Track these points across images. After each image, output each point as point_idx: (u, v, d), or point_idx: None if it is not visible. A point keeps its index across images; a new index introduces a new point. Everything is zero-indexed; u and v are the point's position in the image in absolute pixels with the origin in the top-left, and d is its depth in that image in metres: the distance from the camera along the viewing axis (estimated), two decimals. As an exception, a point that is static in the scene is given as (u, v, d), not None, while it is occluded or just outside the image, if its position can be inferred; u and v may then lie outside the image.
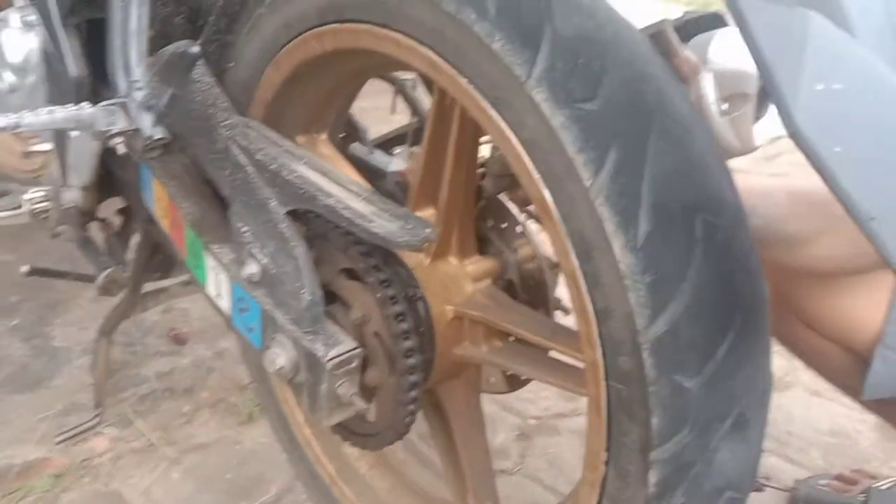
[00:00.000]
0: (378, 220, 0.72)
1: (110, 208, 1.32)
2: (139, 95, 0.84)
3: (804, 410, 1.51)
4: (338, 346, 0.77)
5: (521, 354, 0.84)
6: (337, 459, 1.09)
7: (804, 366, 1.47)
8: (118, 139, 0.84)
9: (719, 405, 0.61)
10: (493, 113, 0.64)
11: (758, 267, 0.62)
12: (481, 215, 0.91)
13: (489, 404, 1.51)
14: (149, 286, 1.42)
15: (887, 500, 0.62)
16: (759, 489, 0.69)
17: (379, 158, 1.12)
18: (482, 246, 0.90)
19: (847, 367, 0.99)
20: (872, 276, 0.95)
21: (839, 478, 1.27)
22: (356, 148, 1.16)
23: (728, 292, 0.60)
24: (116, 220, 1.35)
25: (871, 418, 1.48)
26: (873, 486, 1.21)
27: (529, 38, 0.60)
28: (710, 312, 0.59)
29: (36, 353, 1.57)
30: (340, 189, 0.77)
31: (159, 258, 1.37)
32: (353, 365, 0.78)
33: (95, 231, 1.31)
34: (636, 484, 0.63)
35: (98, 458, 1.33)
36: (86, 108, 0.81)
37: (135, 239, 1.33)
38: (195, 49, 0.77)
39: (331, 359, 0.76)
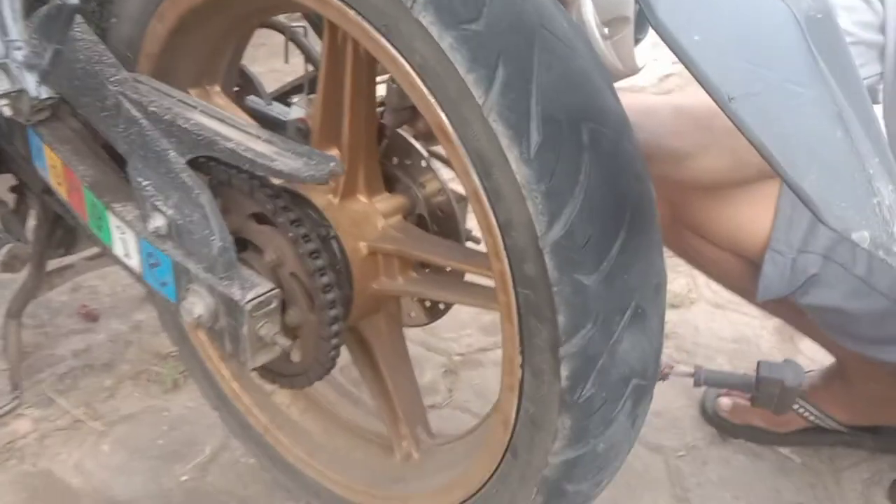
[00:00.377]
0: (281, 158, 0.73)
1: (2, 186, 1.27)
2: (19, 55, 0.81)
3: (708, 322, 1.61)
4: (255, 289, 0.78)
5: (436, 282, 0.87)
6: (268, 409, 1.10)
7: (706, 282, 1.57)
8: (2, 102, 0.81)
9: (617, 299, 0.65)
10: (384, 42, 0.66)
11: (643, 169, 0.67)
12: (387, 154, 0.92)
13: (415, 346, 1.55)
14: (53, 263, 1.39)
15: (773, 368, 0.69)
16: (664, 377, 0.75)
17: (277, 109, 1.12)
18: (392, 184, 0.92)
19: (741, 273, 1.07)
20: (756, 186, 1.02)
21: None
22: (253, 100, 1.15)
23: (617, 194, 0.64)
24: (10, 198, 1.30)
25: (770, 324, 1.59)
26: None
27: (411, -36, 0.62)
28: (602, 214, 0.63)
29: (-61, 344, 1.51)
30: (239, 133, 0.77)
31: (61, 233, 1.33)
32: (273, 306, 0.79)
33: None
34: (550, 380, 0.68)
35: (22, 439, 1.30)
36: (-37, 72, 0.78)
37: (32, 216, 1.29)
38: (73, 1, 0.75)
39: (248, 301, 0.77)
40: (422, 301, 0.96)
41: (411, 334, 1.56)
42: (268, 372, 0.90)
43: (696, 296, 1.69)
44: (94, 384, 1.44)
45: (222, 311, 0.80)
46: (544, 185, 0.61)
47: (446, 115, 0.64)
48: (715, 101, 0.45)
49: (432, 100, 0.65)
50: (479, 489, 0.81)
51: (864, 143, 0.52)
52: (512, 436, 0.75)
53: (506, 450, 0.76)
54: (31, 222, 1.29)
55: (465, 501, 0.84)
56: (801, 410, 1.24)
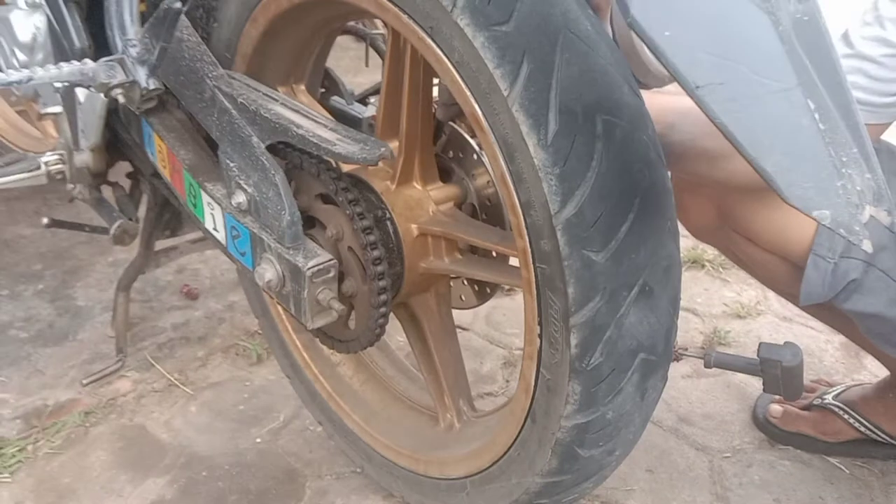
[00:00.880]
0: (341, 143, 0.84)
1: (120, 172, 1.45)
2: (134, 52, 0.96)
3: (773, 333, 1.62)
4: (315, 258, 0.89)
5: (477, 263, 0.96)
6: (333, 378, 1.21)
7: (776, 296, 1.58)
8: (118, 90, 0.96)
9: (624, 276, 0.72)
10: (429, 41, 0.76)
11: (657, 159, 0.73)
12: (445, 149, 1.02)
13: (480, 339, 1.64)
14: (160, 244, 1.56)
15: (772, 349, 0.72)
16: (677, 358, 0.80)
17: (356, 108, 1.24)
18: (448, 175, 1.02)
19: (787, 277, 1.10)
20: None
21: (800, 386, 1.38)
22: (336, 100, 1.27)
23: (627, 180, 0.71)
24: (127, 183, 1.48)
25: (836, 339, 1.58)
26: (827, 391, 1.32)
27: (454, -26, 0.71)
28: (612, 197, 0.70)
29: (60, 313, 1.71)
30: (309, 121, 0.89)
31: (168, 217, 1.50)
32: (331, 274, 0.90)
33: (108, 193, 1.43)
34: (562, 349, 0.75)
35: (122, 397, 1.47)
36: (89, 64, 0.93)
37: (144, 199, 1.46)
38: (177, 5, 0.88)
39: (309, 268, 0.87)
40: (471, 284, 1.05)
41: (476, 328, 1.65)
42: (327, 337, 1.01)
43: (763, 308, 1.69)
44: (188, 354, 1.60)
45: (288, 276, 0.91)
46: (559, 168, 0.69)
47: (479, 105, 0.73)
48: (683, 88, 0.52)
49: (468, 92, 0.74)
50: (504, 453, 0.89)
51: (841, 133, 0.58)
52: (532, 401, 0.82)
53: (527, 415, 0.83)
54: (144, 208, 1.46)
55: (492, 464, 0.91)
56: (853, 422, 1.25)
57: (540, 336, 0.77)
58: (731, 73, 0.53)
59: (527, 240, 0.74)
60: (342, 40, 1.29)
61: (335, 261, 0.90)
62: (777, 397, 1.34)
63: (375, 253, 0.89)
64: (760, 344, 0.73)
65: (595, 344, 0.73)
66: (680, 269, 0.77)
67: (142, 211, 1.46)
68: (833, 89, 0.58)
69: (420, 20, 0.76)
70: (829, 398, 1.29)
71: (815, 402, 1.30)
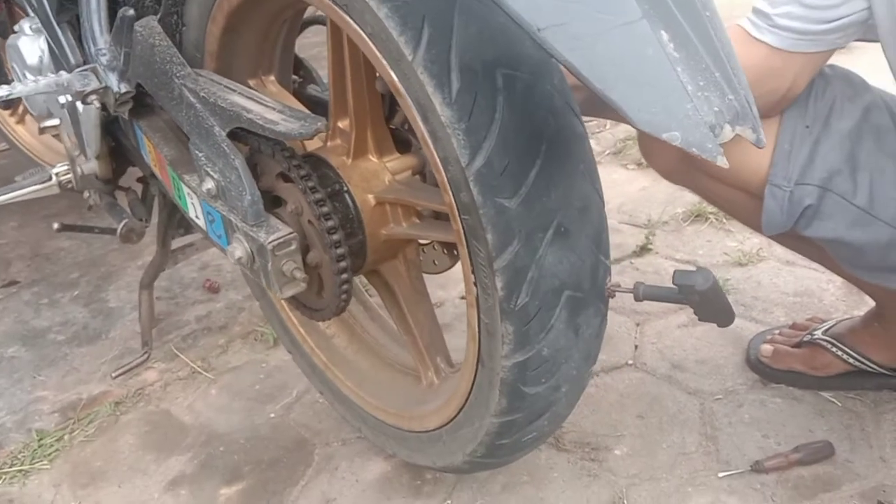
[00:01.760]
0: (283, 122, 0.90)
1: (132, 178, 1.54)
2: (104, 60, 1.04)
3: (773, 278, 1.62)
4: (276, 233, 0.95)
5: (434, 225, 1.01)
6: (328, 350, 1.28)
7: (771, 239, 1.58)
8: (93, 97, 1.04)
9: (538, 219, 0.76)
10: (347, 18, 0.81)
11: (564, 106, 0.77)
12: (403, 122, 1.07)
13: (458, 307, 1.69)
14: (177, 242, 1.65)
15: (685, 276, 0.75)
16: (611, 295, 0.83)
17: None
18: (406, 146, 1.07)
19: (753, 210, 1.12)
20: None
21: (793, 326, 1.40)
22: (312, 88, 1.34)
23: (532, 129, 0.75)
24: (138, 187, 1.58)
25: (838, 279, 1.57)
26: (817, 327, 1.33)
27: (354, -48, 0.76)
28: (517, 146, 0.74)
29: (94, 315, 1.83)
30: (259, 106, 0.95)
31: (179, 215, 1.60)
32: (293, 247, 0.96)
33: (122, 198, 1.53)
34: (492, 293, 0.79)
35: (150, 386, 1.57)
36: (64, 75, 1.02)
37: (156, 202, 1.56)
38: (130, 12, 0.96)
39: (270, 242, 0.94)
40: (441, 249, 1.10)
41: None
42: (305, 308, 1.08)
43: (766, 254, 1.69)
44: (210, 342, 1.70)
45: (255, 252, 0.98)
46: (464, 123, 0.74)
47: (393, 71, 0.78)
48: (526, 31, 0.56)
49: (383, 61, 0.79)
50: (466, 399, 0.94)
51: (699, 59, 0.61)
52: (479, 346, 0.87)
53: (477, 360, 0.89)
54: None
55: (458, 412, 0.97)
56: (841, 354, 1.26)
57: (475, 284, 0.82)
58: (573, 14, 0.57)
59: (450, 194, 0.79)
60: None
61: (294, 233, 0.96)
62: (769, 337, 1.35)
63: (330, 223, 0.95)
64: (674, 272, 0.76)
65: (519, 285, 0.77)
66: (600, 209, 0.81)
67: (156, 213, 1.56)
68: (692, 18, 0.62)
69: (336, -1, 0.81)
70: (818, 334, 1.30)
71: (805, 339, 1.31)
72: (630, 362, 1.41)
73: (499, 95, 0.74)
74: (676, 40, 0.60)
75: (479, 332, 0.86)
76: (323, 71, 1.39)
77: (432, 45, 0.74)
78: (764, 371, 1.32)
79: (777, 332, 1.38)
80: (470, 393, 0.93)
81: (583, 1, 0.57)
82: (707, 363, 1.39)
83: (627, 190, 2.06)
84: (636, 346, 1.45)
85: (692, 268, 0.85)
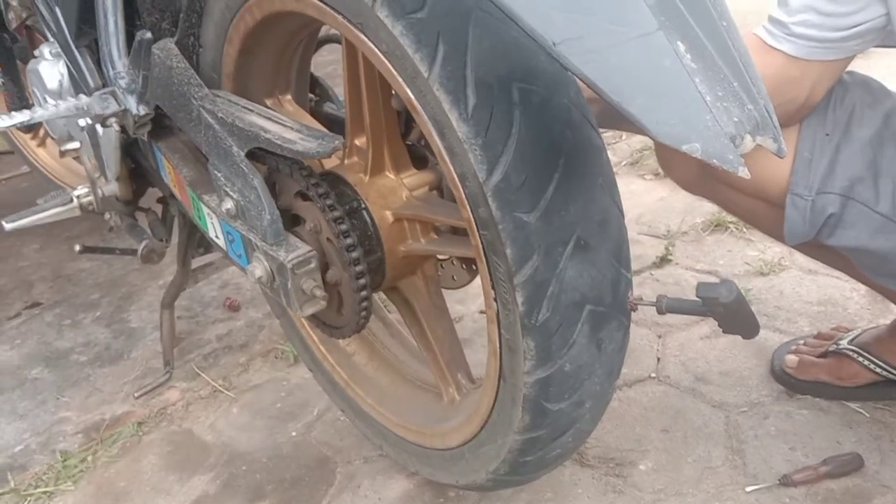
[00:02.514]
0: (301, 141, 0.91)
1: (152, 198, 1.56)
2: (123, 83, 1.05)
3: (795, 287, 1.60)
4: (296, 251, 0.96)
5: (453, 240, 1.01)
6: (348, 367, 1.28)
7: (794, 248, 1.56)
8: (112, 120, 1.05)
9: (557, 233, 0.75)
10: (362, 37, 0.81)
11: (581, 119, 0.77)
12: (419, 138, 1.08)
13: (477, 322, 1.68)
14: (197, 262, 1.66)
15: (708, 288, 0.74)
16: (633, 308, 0.83)
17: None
18: (422, 162, 1.07)
19: (774, 220, 1.11)
20: None
21: (817, 336, 1.38)
22: (328, 106, 1.35)
23: (550, 143, 0.75)
24: (158, 208, 1.59)
25: (862, 287, 1.55)
26: (843, 336, 1.31)
27: (370, -29, 0.77)
28: (534, 160, 0.74)
29: (116, 335, 1.84)
30: (277, 125, 0.96)
31: (199, 235, 1.61)
32: (312, 265, 0.96)
33: (142, 219, 1.54)
34: (513, 308, 0.79)
35: (172, 406, 1.58)
36: (83, 99, 1.03)
37: (176, 222, 1.57)
38: (147, 35, 0.97)
39: (290, 260, 0.95)
40: (461, 263, 1.10)
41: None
42: (325, 325, 1.08)
43: (788, 263, 1.67)
44: (231, 361, 1.70)
45: (275, 271, 0.98)
46: (481, 138, 0.74)
47: (409, 89, 0.78)
48: (542, 46, 0.56)
49: (399, 78, 0.79)
50: (488, 416, 0.93)
51: (717, 70, 0.61)
52: (500, 362, 0.86)
53: (499, 376, 0.88)
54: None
55: (481, 429, 0.96)
56: (868, 364, 1.24)
57: (495, 299, 0.82)
58: (588, 27, 0.57)
59: (468, 210, 0.79)
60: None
61: (314, 252, 0.96)
62: (793, 347, 1.34)
63: (349, 240, 0.95)
64: (698, 284, 0.76)
65: (540, 300, 0.77)
66: (620, 222, 0.80)
67: (176, 233, 1.57)
68: (709, 29, 0.61)
69: (352, 18, 0.82)
70: (843, 343, 1.28)
71: (830, 349, 1.29)
72: (653, 375, 1.40)
73: (515, 110, 0.73)
74: (693, 51, 0.60)
75: (501, 348, 0.85)
76: (338, 88, 1.40)
77: (447, 61, 0.74)
78: (789, 382, 1.30)
79: (801, 342, 1.36)
80: (492, 410, 0.92)
81: (597, 14, 0.57)
82: (731, 375, 1.37)
83: (645, 200, 2.05)
84: (658, 359, 1.43)
85: (714, 279, 0.84)
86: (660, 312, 0.80)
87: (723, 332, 0.80)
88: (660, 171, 2.14)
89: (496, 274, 0.79)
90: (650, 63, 0.57)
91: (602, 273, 0.79)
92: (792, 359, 1.30)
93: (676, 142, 0.56)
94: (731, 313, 0.74)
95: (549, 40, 0.56)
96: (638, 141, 2.34)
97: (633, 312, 0.84)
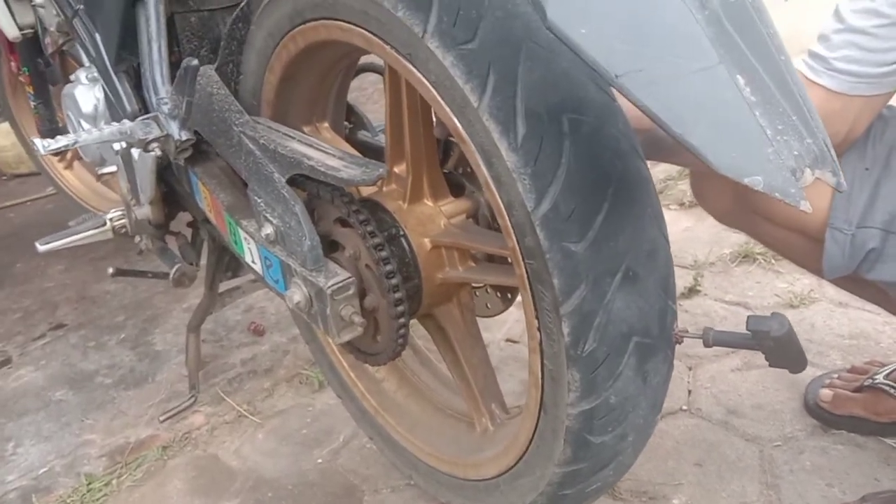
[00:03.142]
0: (345, 169, 0.91)
1: (182, 223, 1.57)
2: (166, 108, 1.06)
3: (826, 320, 1.59)
4: (335, 277, 0.96)
5: (491, 269, 1.01)
6: (378, 394, 1.28)
7: (828, 281, 1.56)
8: (154, 144, 1.06)
9: (606, 263, 0.75)
10: (410, 67, 0.82)
11: (630, 150, 0.77)
12: (456, 166, 1.08)
13: (527, 350, 1.67)
14: (224, 286, 1.67)
15: (759, 321, 0.73)
16: (678, 341, 0.82)
17: (382, 139, 1.32)
18: (460, 190, 1.07)
19: (811, 253, 1.10)
20: None
21: (851, 370, 1.36)
22: (363, 134, 1.36)
23: (599, 173, 0.75)
24: (188, 232, 1.60)
25: (894, 320, 1.54)
26: (878, 371, 1.30)
27: (422, 3, 0.78)
28: (583, 190, 0.74)
29: (140, 358, 1.85)
30: (320, 153, 0.96)
31: (227, 259, 1.61)
32: (351, 291, 0.96)
33: (172, 242, 1.55)
34: (557, 338, 0.79)
35: (196, 430, 1.57)
36: (127, 123, 1.04)
37: (205, 246, 1.58)
38: (194, 62, 0.98)
39: (329, 286, 0.95)
40: (494, 291, 1.10)
41: (526, 340, 1.69)
42: (359, 352, 1.07)
43: (818, 295, 1.66)
44: (256, 386, 1.70)
45: (314, 296, 0.98)
46: (530, 168, 0.74)
47: (457, 119, 0.79)
48: (605, 79, 0.57)
49: (446, 108, 0.80)
50: (527, 447, 0.92)
51: (776, 104, 0.61)
52: (542, 394, 0.86)
53: (539, 407, 0.87)
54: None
55: (518, 460, 0.95)
56: (905, 400, 1.22)
57: (538, 329, 0.81)
58: (649, 60, 0.57)
59: (514, 239, 0.79)
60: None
61: (353, 278, 0.96)
62: (827, 381, 1.32)
63: (388, 267, 0.95)
64: (748, 317, 0.75)
65: (586, 331, 0.76)
66: (667, 253, 0.80)
67: (204, 257, 1.57)
68: (767, 63, 0.61)
69: (400, 48, 0.82)
70: (879, 378, 1.26)
71: (865, 384, 1.27)
72: (684, 408, 1.38)
73: (565, 140, 0.74)
74: (752, 84, 0.60)
75: (543, 378, 0.84)
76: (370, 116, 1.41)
77: (498, 91, 0.74)
78: (824, 417, 1.28)
79: (836, 375, 1.34)
80: (531, 441, 0.91)
81: (658, 47, 0.57)
82: (764, 408, 1.35)
83: (672, 230, 2.01)
84: (690, 391, 1.42)
85: (756, 312, 0.83)
86: (706, 345, 0.79)
87: (769, 365, 0.79)
88: (685, 200, 2.15)
89: (541, 304, 0.79)
90: (711, 95, 0.57)
91: (649, 304, 0.78)
92: (826, 393, 1.28)
93: (738, 174, 0.56)
94: (782, 347, 0.74)
95: (611, 73, 0.56)
96: (662, 170, 2.34)
97: (678, 345, 0.83)
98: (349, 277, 0.96)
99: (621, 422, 0.83)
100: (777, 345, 0.73)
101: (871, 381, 1.27)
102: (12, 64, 2.13)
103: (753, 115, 0.58)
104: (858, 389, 1.28)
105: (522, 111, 0.74)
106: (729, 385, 1.42)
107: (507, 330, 1.76)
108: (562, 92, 0.75)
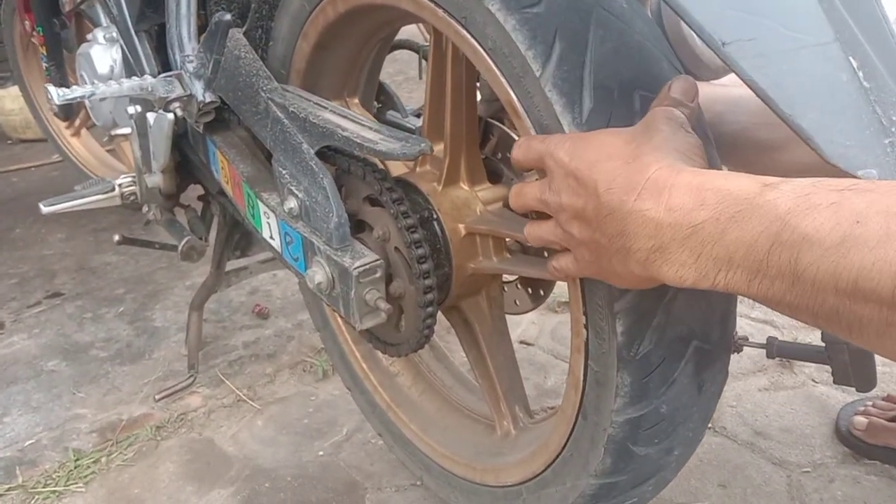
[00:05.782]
0: (383, 142, 0.84)
1: (192, 196, 1.50)
2: (191, 67, 0.99)
3: (858, 343, 1.52)
4: (362, 259, 0.89)
5: (527, 261, 0.94)
6: (391, 389, 1.21)
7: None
8: (176, 104, 0.99)
9: (670, 258, 0.69)
10: (464, 32, 0.75)
11: (703, 136, 0.70)
12: (494, 152, 1.01)
13: (545, 354, 1.61)
14: (231, 265, 1.60)
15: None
16: (738, 349, 0.76)
17: (412, 121, 1.25)
18: (498, 176, 1.01)
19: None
20: None
21: (887, 398, 1.29)
22: (392, 114, 1.29)
23: (670, 159, 0.68)
24: (198, 205, 1.53)
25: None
26: None
27: (484, -40, 0.71)
28: (652, 176, 0.67)
29: (138, 333, 1.78)
30: (354, 124, 0.90)
31: (237, 237, 1.55)
32: (377, 275, 0.90)
33: (181, 215, 1.49)
34: (609, 337, 0.72)
35: (193, 412, 1.51)
36: (148, 79, 0.97)
37: (215, 221, 1.51)
38: (227, 17, 0.91)
39: (356, 268, 0.88)
40: (524, 287, 1.03)
41: (542, 343, 1.62)
42: (378, 341, 1.01)
43: None
44: (257, 370, 1.63)
45: (337, 278, 0.91)
46: (596, 149, 0.67)
47: (513, 90, 0.72)
48: (709, 46, 0.50)
49: (502, 78, 0.73)
50: (558, 454, 0.86)
51: (889, 93, 0.54)
52: (582, 397, 0.79)
53: (577, 412, 0.80)
54: (215, 230, 1.51)
55: (546, 468, 0.88)
56: (946, 433, 1.15)
57: (586, 326, 0.75)
58: (760, 29, 0.50)
59: (567, 227, 0.72)
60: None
61: (381, 260, 0.90)
62: (861, 409, 1.26)
63: (420, 251, 0.88)
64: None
65: (643, 331, 0.70)
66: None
67: (213, 233, 1.51)
68: (880, 48, 0.55)
69: (454, 11, 0.76)
70: (918, 408, 1.20)
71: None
72: (709, 425, 1.32)
73: (635, 118, 0.67)
74: (865, 69, 0.53)
75: (585, 380, 0.78)
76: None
77: (564, 60, 0.68)
78: (856, 445, 1.22)
79: (870, 403, 1.28)
80: (564, 448, 0.84)
81: (770, 15, 0.51)
82: (792, 432, 1.29)
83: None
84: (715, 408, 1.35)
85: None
86: (769, 356, 0.73)
87: (834, 381, 0.73)
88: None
89: (592, 299, 0.72)
90: (826, 76, 0.51)
91: (712, 307, 0.72)
92: (861, 421, 1.22)
93: (851, 166, 0.50)
94: (856, 362, 0.67)
95: (717, 40, 0.50)
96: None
97: (736, 353, 0.77)
98: (377, 259, 0.89)
99: (669, 433, 0.76)
100: (853, 359, 0.66)
101: (908, 411, 1.21)
102: (26, 23, 2.06)
103: (870, 102, 0.51)
104: (894, 419, 1.21)
105: (591, 84, 0.67)
106: (756, 405, 1.36)
107: (521, 332, 1.70)
108: (634, 66, 0.68)
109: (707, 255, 0.49)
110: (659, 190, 0.52)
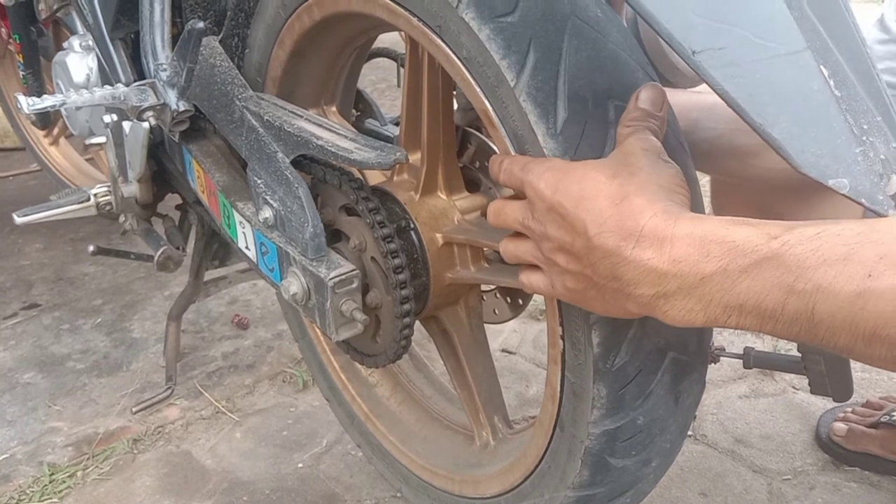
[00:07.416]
0: (358, 151, 0.83)
1: (170, 205, 1.48)
2: (164, 75, 0.98)
3: (838, 349, 1.52)
4: (338, 269, 0.88)
5: (505, 270, 0.93)
6: (370, 399, 1.20)
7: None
8: (150, 113, 0.98)
9: (645, 268, 0.68)
10: (438, 41, 0.75)
11: (678, 146, 0.70)
12: (472, 160, 1.01)
13: (526, 363, 1.60)
14: (210, 275, 1.58)
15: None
16: (714, 360, 0.75)
17: (390, 129, 1.24)
18: (476, 186, 1.00)
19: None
20: None
21: (866, 404, 1.30)
22: (370, 122, 1.28)
23: (644, 168, 0.68)
24: (176, 215, 1.51)
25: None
26: (894, 407, 1.23)
27: (458, -30, 0.71)
28: (627, 186, 0.67)
29: (116, 344, 1.75)
30: (330, 133, 0.89)
31: (216, 247, 1.53)
32: (354, 285, 0.89)
33: (157, 226, 1.47)
34: (585, 348, 0.71)
35: (170, 424, 1.49)
36: (121, 88, 0.96)
37: (193, 231, 1.49)
38: (200, 25, 0.90)
39: (332, 279, 0.87)
40: (503, 297, 1.02)
41: (523, 351, 1.62)
42: (356, 352, 0.99)
43: None
44: (236, 382, 1.61)
45: (313, 289, 0.90)
46: (569, 157, 0.67)
47: (487, 99, 0.71)
48: (680, 55, 0.50)
49: (476, 88, 0.72)
50: (536, 466, 0.85)
51: (860, 101, 0.54)
52: (559, 408, 0.78)
53: (555, 424, 0.80)
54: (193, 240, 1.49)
55: (524, 480, 0.88)
56: (925, 439, 1.16)
57: (562, 337, 0.74)
58: (731, 37, 0.50)
59: (543, 237, 0.71)
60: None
61: (357, 271, 0.89)
62: (841, 415, 1.26)
63: (397, 261, 0.87)
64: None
65: (619, 342, 0.69)
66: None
67: (191, 244, 1.49)
68: (851, 56, 0.55)
69: (428, 20, 0.75)
70: (897, 415, 1.20)
71: (882, 420, 1.21)
72: (689, 433, 1.31)
73: (610, 129, 0.67)
74: (836, 77, 0.53)
75: (562, 392, 0.77)
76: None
77: (538, 70, 0.67)
78: (836, 452, 1.22)
79: (849, 409, 1.28)
80: (542, 459, 0.84)
81: (741, 24, 0.51)
82: (773, 439, 1.29)
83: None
84: (695, 416, 1.35)
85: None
86: (746, 367, 0.73)
87: (811, 391, 0.73)
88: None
89: (568, 310, 0.72)
90: (798, 85, 0.51)
91: (687, 318, 0.71)
92: (840, 427, 1.22)
93: (822, 175, 0.49)
94: (833, 373, 0.67)
95: (687, 48, 0.49)
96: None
97: (712, 364, 0.76)
98: (353, 270, 0.88)
99: (647, 445, 0.75)
100: (830, 369, 0.66)
101: (888, 417, 1.21)
102: (2, 31, 2.04)
103: (841, 110, 0.51)
104: (874, 426, 1.22)
105: (565, 93, 0.66)
106: (736, 412, 1.36)
107: (503, 340, 1.69)
108: (608, 76, 0.68)
109: (717, 303, 0.51)
110: (660, 240, 0.52)
